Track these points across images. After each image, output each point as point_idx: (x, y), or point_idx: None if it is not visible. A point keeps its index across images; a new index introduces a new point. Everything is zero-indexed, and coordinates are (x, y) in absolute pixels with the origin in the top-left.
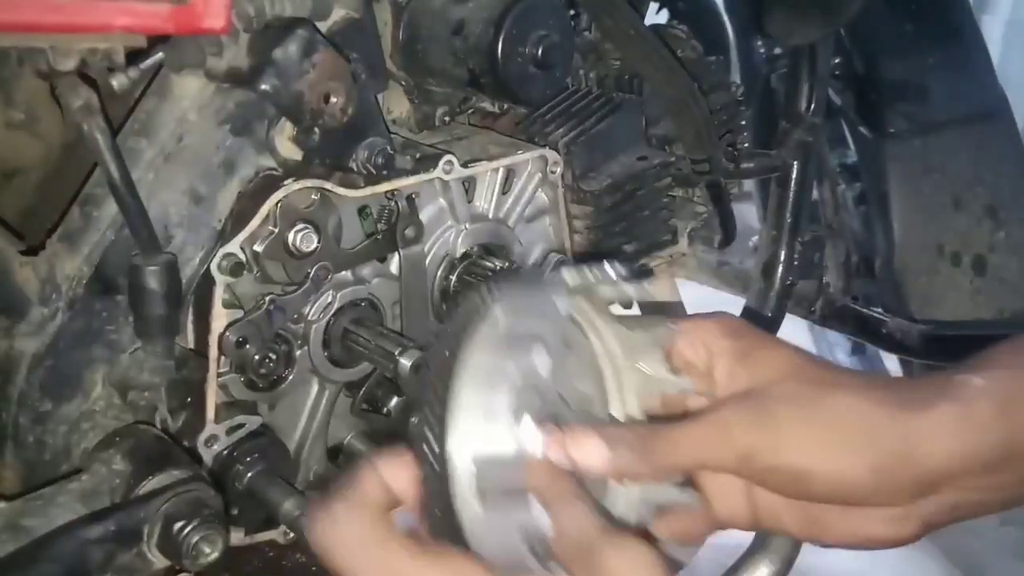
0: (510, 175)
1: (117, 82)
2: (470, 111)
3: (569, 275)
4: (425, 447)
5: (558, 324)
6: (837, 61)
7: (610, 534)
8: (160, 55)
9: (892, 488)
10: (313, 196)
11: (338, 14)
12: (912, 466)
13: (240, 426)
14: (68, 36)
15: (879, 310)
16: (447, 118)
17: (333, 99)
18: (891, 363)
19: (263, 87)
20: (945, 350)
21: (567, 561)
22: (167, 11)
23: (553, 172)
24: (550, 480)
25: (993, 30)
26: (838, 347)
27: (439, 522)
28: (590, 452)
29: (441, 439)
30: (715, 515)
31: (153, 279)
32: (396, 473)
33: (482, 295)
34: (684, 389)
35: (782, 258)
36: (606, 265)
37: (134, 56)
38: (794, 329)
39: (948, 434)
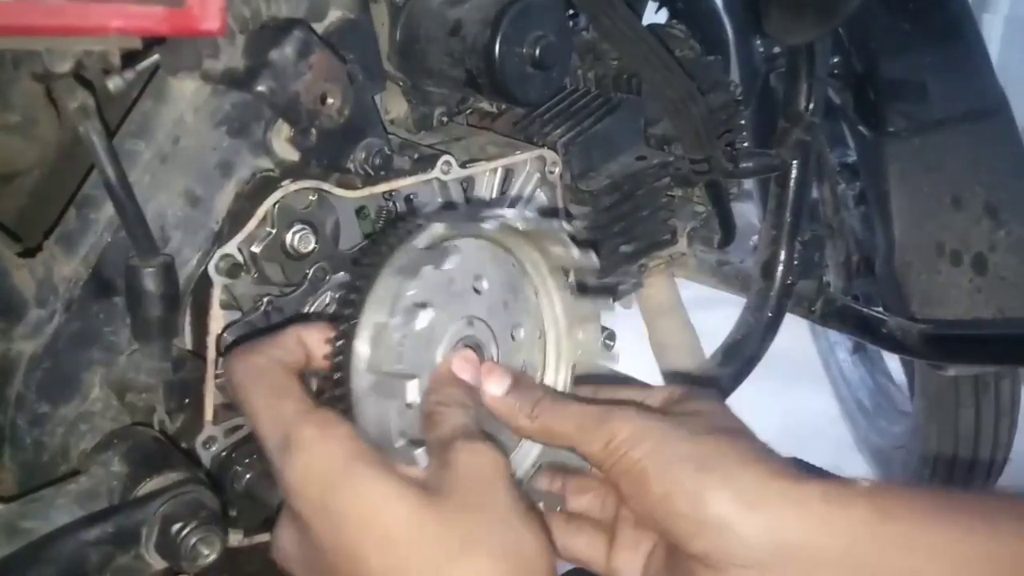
0: (508, 175)
1: (112, 84)
2: (468, 111)
3: (513, 215)
4: (340, 319)
5: (501, 262)
6: (836, 60)
7: (471, 437)
8: (155, 57)
9: (727, 538)
10: (311, 197)
11: (334, 15)
12: (753, 524)
13: (239, 427)
14: (63, 39)
15: (879, 309)
16: (445, 118)
17: (329, 100)
18: (892, 363)
19: (259, 88)
20: (945, 349)
21: (429, 448)
22: (162, 13)
23: (552, 172)
24: (446, 380)
25: (993, 28)
26: (839, 346)
27: (333, 387)
28: (495, 381)
29: (352, 314)
30: (612, 561)
31: (150, 281)
32: (314, 336)
33: (426, 215)
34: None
35: (782, 257)
36: (558, 222)
37: (130, 58)
38: (794, 329)
39: (805, 508)
